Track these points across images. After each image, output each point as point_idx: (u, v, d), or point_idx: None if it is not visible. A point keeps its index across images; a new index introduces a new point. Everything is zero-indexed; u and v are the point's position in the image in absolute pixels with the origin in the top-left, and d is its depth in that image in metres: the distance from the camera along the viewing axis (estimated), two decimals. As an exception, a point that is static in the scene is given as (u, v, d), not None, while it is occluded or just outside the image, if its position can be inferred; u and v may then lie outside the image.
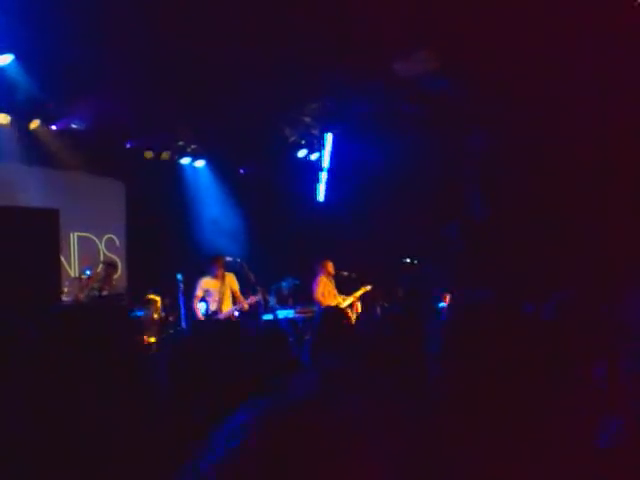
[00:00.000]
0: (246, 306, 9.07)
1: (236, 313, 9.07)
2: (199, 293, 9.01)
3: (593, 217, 10.27)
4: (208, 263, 9.14)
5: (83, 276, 9.33)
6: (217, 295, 9.00)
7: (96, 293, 9.31)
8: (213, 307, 8.98)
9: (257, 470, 0.88)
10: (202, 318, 8.84)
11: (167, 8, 7.67)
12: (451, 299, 10.26)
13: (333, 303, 9.54)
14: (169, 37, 8.24)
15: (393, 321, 3.75)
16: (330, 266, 9.95)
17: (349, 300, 9.94)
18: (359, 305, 10.13)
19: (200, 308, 9.03)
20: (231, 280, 9.19)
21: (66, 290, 8.65)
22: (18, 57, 8.43)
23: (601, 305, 3.75)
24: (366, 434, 0.93)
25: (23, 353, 2.05)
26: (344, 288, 10.16)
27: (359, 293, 10.07)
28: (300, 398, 1.00)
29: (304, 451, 0.89)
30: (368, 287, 10.15)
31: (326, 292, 9.73)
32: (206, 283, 9.06)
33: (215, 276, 9.05)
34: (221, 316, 8.88)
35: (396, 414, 1.31)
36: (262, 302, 9.29)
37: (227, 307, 9.02)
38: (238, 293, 9.21)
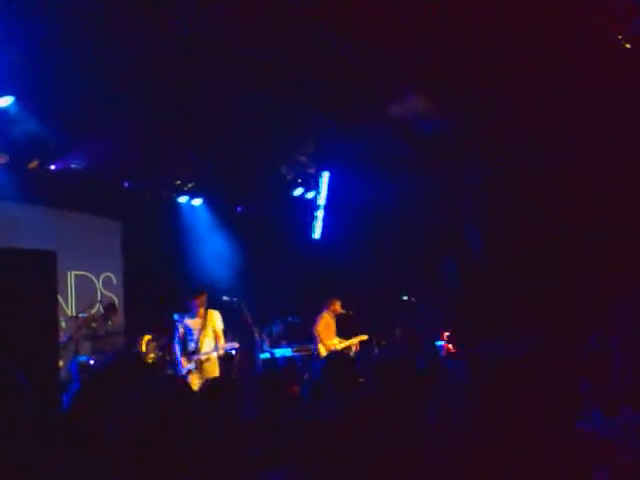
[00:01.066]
0: (222, 351, 8.46)
1: (220, 352, 8.45)
2: (180, 330, 8.43)
3: (593, 248, 10.30)
4: (187, 300, 8.53)
5: (80, 315, 9.38)
6: (196, 334, 8.41)
7: (92, 332, 9.35)
8: (191, 346, 8.35)
9: None
10: (181, 358, 8.33)
11: (165, 49, 7.80)
12: (459, 348, 10.21)
13: (330, 342, 9.51)
14: (168, 78, 8.37)
15: (390, 363, 3.75)
16: (338, 305, 9.86)
17: (345, 344, 9.72)
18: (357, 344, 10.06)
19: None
20: (213, 318, 8.57)
21: (63, 327, 8.66)
22: (18, 98, 8.53)
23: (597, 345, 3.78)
24: None
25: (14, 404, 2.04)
26: (340, 326, 10.13)
27: (355, 340, 9.82)
28: None
29: None
30: (365, 336, 9.92)
31: (326, 329, 9.67)
32: (186, 320, 8.48)
33: (195, 315, 8.48)
34: (200, 356, 8.32)
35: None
36: (259, 341, 9.23)
37: (207, 347, 8.42)
38: (220, 333, 8.55)
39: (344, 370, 3.59)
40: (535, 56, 8.25)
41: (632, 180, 9.60)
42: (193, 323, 8.45)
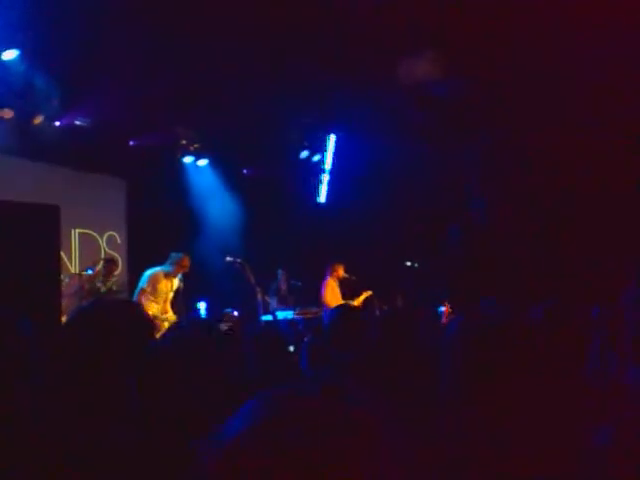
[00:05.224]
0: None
1: None
2: (147, 288, 8.03)
3: (594, 218, 10.28)
4: (173, 258, 8.16)
5: (84, 273, 9.36)
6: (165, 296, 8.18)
7: (97, 290, 9.36)
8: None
9: (261, 456, 0.84)
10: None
11: (173, 8, 7.70)
12: (458, 313, 10.27)
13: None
14: (174, 37, 8.27)
15: (391, 323, 3.75)
16: (341, 270, 9.91)
17: (354, 305, 9.88)
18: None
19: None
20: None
21: (66, 283, 8.67)
22: (24, 52, 8.44)
23: (594, 308, 3.79)
24: (376, 431, 0.91)
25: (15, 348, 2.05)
26: (344, 291, 10.16)
27: (361, 298, 10.02)
28: (315, 387, 0.96)
29: (313, 441, 0.84)
30: (369, 292, 10.11)
31: (332, 295, 9.72)
32: (157, 278, 8.08)
33: (171, 275, 8.19)
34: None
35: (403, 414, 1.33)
36: (262, 303, 9.26)
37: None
38: None
39: (354, 323, 3.60)
40: (548, 25, 8.12)
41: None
42: (164, 284, 8.23)
